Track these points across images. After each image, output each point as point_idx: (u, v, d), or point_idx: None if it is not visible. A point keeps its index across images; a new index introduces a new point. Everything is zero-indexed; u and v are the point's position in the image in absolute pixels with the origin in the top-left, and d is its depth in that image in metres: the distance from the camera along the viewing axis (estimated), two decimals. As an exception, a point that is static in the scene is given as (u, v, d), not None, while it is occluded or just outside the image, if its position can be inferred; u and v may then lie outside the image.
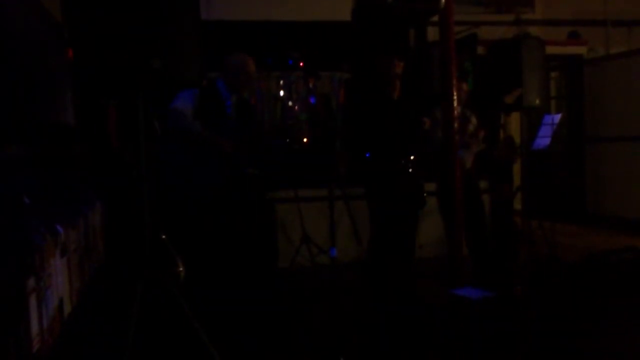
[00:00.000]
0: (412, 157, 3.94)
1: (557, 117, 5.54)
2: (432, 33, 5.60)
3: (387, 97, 3.96)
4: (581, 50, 7.94)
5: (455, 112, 4.76)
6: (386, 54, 4.06)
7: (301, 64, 5.96)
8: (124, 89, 3.24)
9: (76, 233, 3.02)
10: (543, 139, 5.47)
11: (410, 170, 3.92)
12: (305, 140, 5.40)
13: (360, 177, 4.19)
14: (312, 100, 5.81)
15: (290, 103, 5.83)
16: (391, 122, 3.92)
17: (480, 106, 5.14)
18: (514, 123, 7.14)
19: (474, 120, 5.08)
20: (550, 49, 5.98)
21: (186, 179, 3.66)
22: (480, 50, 6.92)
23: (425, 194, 4.18)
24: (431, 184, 4.56)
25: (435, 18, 5.02)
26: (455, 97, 4.62)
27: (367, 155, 3.96)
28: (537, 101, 4.98)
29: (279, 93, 5.86)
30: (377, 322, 3.76)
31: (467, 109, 5.14)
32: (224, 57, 3.89)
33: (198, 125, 3.65)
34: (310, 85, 5.80)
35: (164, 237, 3.77)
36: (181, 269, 3.95)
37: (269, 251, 5.09)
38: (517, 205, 6.29)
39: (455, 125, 4.74)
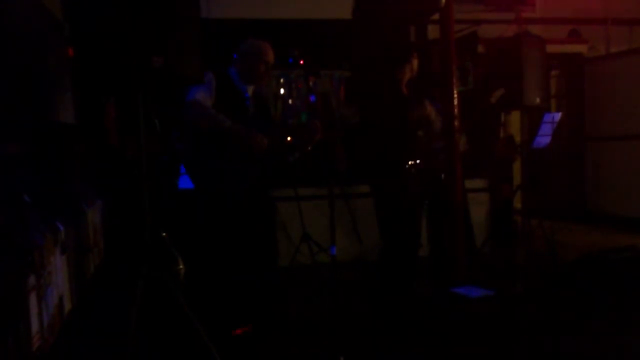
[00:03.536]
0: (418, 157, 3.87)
1: (558, 116, 5.55)
2: (433, 31, 5.60)
3: (397, 96, 3.88)
4: (581, 48, 7.93)
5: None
6: (400, 50, 3.96)
7: (301, 62, 5.96)
8: (124, 87, 3.21)
9: (76, 231, 3.02)
10: (543, 138, 5.48)
11: (417, 169, 3.86)
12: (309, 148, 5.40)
13: (366, 177, 4.11)
14: (312, 99, 5.81)
15: (290, 101, 5.84)
16: (401, 121, 3.83)
17: (477, 105, 5.12)
18: (514, 121, 7.14)
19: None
20: (551, 48, 5.98)
21: (218, 182, 3.33)
22: (480, 48, 6.91)
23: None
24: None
25: (436, 16, 5.03)
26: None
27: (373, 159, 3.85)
28: (538, 100, 4.97)
29: (279, 91, 5.86)
30: (377, 321, 3.76)
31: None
32: (239, 43, 3.53)
33: (223, 117, 3.23)
34: (311, 83, 5.80)
35: (164, 234, 3.77)
36: (181, 266, 3.96)
37: (269, 249, 5.08)
38: (517, 203, 6.29)
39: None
